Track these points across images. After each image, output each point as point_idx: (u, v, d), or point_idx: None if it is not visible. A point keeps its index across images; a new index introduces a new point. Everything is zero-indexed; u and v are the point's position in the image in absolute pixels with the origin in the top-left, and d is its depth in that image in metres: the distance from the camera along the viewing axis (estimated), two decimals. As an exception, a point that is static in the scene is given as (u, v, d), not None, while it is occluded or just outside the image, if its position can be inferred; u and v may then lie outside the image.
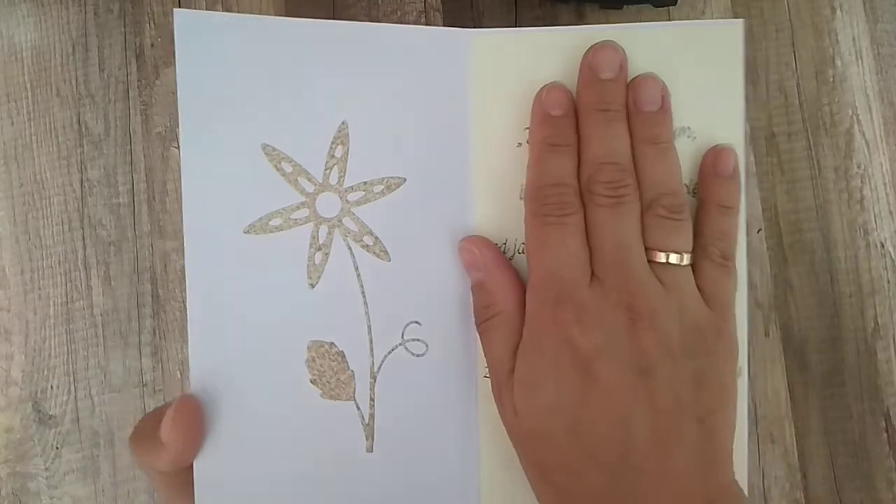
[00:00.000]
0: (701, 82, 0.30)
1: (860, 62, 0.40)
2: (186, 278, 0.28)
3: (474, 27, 0.39)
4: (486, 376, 0.30)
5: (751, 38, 0.40)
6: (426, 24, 0.39)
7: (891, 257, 0.40)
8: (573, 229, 0.28)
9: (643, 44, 0.29)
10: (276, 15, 0.39)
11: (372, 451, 0.30)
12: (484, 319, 0.29)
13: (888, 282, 0.40)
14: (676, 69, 0.30)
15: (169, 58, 0.40)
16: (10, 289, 0.39)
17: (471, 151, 0.30)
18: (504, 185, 0.30)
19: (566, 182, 0.29)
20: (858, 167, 0.40)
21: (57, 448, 0.39)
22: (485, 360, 0.30)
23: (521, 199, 0.30)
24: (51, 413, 0.39)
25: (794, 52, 0.40)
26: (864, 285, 0.40)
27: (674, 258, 0.28)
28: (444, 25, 0.39)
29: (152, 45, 0.40)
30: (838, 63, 0.40)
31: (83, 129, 0.40)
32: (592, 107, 0.29)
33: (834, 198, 0.40)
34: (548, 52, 0.30)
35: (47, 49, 0.40)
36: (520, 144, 0.30)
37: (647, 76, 0.29)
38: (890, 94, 0.40)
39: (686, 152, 0.30)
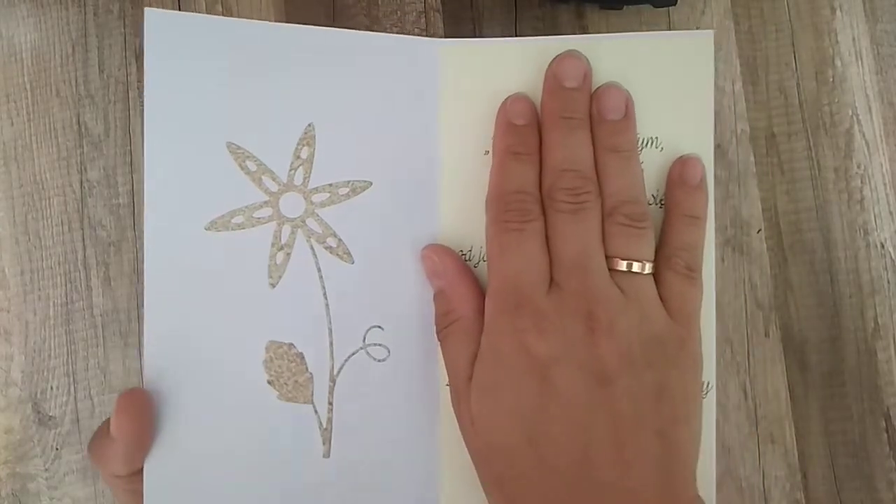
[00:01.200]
0: (670, 93, 0.30)
1: (860, 62, 0.40)
2: (144, 272, 0.28)
3: (474, 28, 0.39)
4: (448, 384, 0.30)
5: (751, 38, 0.40)
6: (426, 25, 0.39)
7: (891, 257, 0.40)
8: (533, 235, 0.28)
9: (611, 54, 0.29)
10: (275, 15, 0.39)
11: (328, 457, 0.29)
12: (443, 326, 0.29)
13: (888, 282, 0.40)
14: (645, 80, 0.29)
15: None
16: (10, 289, 0.39)
17: (438, 158, 0.30)
18: (471, 192, 0.30)
19: (527, 190, 0.29)
20: (858, 167, 0.40)
21: (57, 449, 0.39)
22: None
23: None
24: (51, 414, 0.39)
25: (794, 53, 0.40)
26: (864, 285, 0.40)
27: (635, 266, 0.28)
28: (444, 26, 0.39)
29: (152, 46, 0.40)
30: (838, 63, 0.40)
31: (83, 129, 0.40)
32: (556, 115, 0.29)
33: (834, 198, 0.40)
34: (515, 62, 0.30)
35: (47, 49, 0.40)
36: (487, 152, 0.30)
37: (611, 85, 0.29)
38: (890, 94, 0.40)
39: (654, 163, 0.30)
